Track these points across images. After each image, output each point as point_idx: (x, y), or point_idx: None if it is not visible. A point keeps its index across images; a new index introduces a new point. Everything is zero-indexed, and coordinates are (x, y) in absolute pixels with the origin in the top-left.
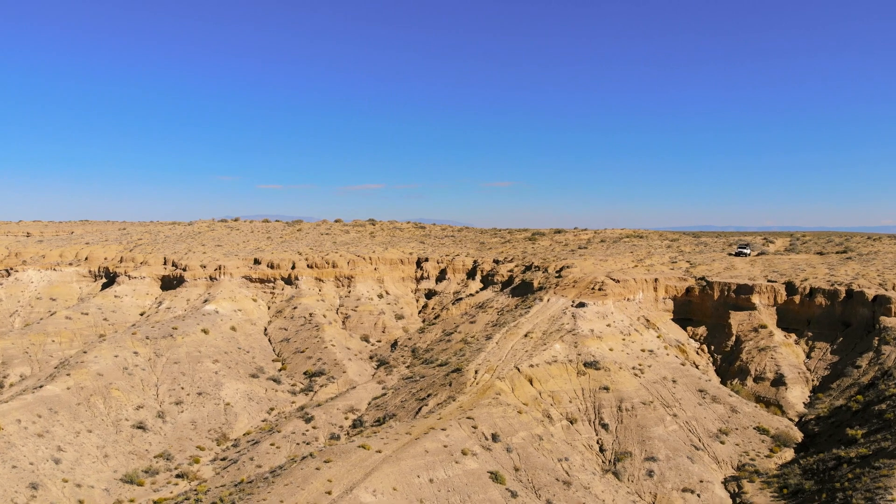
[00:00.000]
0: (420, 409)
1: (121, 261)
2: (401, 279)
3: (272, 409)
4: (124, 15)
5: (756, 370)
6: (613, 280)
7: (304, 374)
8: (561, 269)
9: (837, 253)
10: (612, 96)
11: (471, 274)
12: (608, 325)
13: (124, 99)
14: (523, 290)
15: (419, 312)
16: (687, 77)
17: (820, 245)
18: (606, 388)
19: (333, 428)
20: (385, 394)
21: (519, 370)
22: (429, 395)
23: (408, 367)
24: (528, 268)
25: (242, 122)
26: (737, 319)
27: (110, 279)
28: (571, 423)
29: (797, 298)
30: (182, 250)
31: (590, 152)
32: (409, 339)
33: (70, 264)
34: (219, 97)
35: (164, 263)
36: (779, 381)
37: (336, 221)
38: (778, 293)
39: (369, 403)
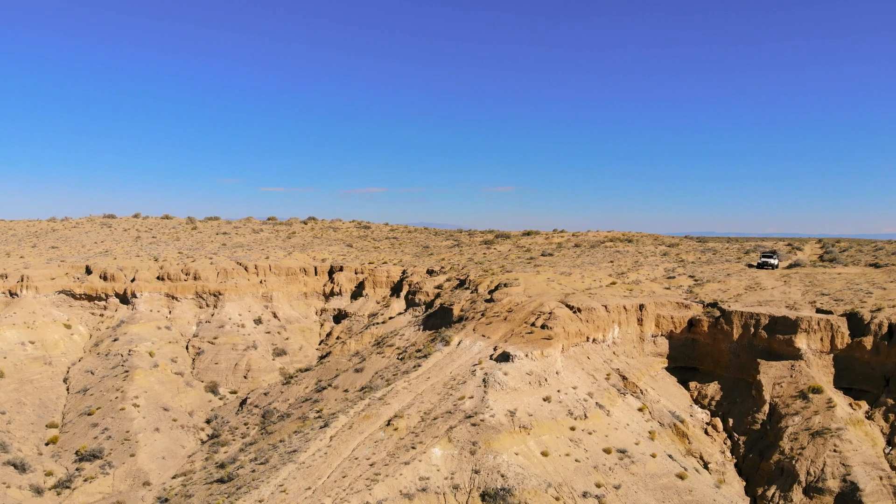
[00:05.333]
0: None
1: None
2: (302, 295)
3: None
4: (124, 18)
5: (808, 473)
6: (570, 308)
7: (76, 454)
8: (497, 288)
9: None
10: (613, 101)
11: (396, 289)
12: (546, 400)
13: (125, 99)
14: (441, 320)
15: (321, 343)
16: (688, 82)
17: (867, 253)
18: None
19: None
20: None
21: None
22: None
23: (243, 447)
24: (462, 282)
25: (244, 124)
26: (771, 375)
27: None
28: None
29: (867, 341)
30: None
31: (592, 156)
32: (267, 393)
33: None
34: (219, 99)
35: None
36: (850, 497)
37: (269, 219)
38: (836, 332)
39: None
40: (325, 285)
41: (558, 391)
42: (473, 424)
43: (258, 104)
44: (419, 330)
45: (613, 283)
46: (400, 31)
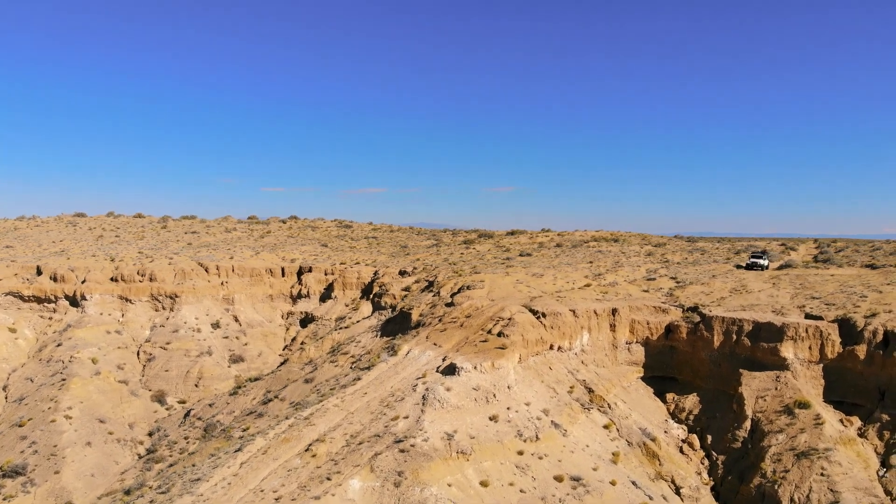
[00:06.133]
0: None
1: None
2: (268, 297)
3: None
4: (124, 23)
5: (792, 500)
6: (534, 313)
7: (0, 469)
8: (459, 291)
9: None
10: (614, 102)
11: (367, 291)
12: (492, 419)
13: (126, 100)
14: (399, 325)
15: (285, 348)
16: (693, 83)
17: (864, 254)
18: None
19: None
20: None
21: None
22: None
23: (163, 469)
24: (430, 284)
25: (245, 125)
26: (753, 387)
27: None
28: None
29: (860, 350)
30: None
31: (594, 157)
32: (212, 404)
33: None
34: (220, 100)
35: None
36: None
37: (249, 218)
38: (826, 339)
39: None
40: (292, 287)
41: (508, 408)
42: (402, 450)
43: (258, 105)
44: (376, 336)
45: (588, 286)
46: (402, 35)
